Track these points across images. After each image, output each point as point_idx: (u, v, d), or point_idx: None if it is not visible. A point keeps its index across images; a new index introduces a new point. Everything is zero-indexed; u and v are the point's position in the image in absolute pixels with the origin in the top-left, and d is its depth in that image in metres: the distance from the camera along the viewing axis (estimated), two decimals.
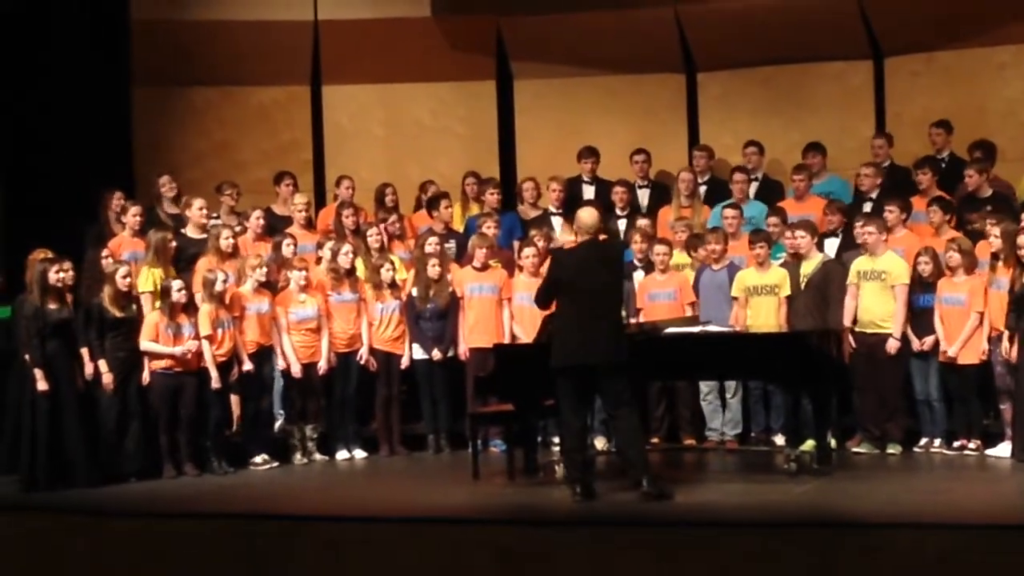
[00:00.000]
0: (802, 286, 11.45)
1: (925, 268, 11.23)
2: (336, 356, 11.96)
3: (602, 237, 10.04)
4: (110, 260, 11.52)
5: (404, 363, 12.13)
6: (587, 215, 9.92)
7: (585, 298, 9.58)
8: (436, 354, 12.08)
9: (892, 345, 11.22)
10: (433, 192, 13.26)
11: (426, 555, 8.81)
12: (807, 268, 11.47)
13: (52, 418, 10.71)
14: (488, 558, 8.73)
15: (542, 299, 9.98)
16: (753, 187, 13.02)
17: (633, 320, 11.40)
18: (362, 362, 12.02)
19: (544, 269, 12.07)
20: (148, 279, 11.67)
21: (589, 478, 9.74)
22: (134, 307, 11.32)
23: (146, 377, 11.21)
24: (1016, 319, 10.65)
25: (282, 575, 9.03)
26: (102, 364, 11.00)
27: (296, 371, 11.75)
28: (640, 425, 9.97)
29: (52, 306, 10.82)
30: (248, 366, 11.51)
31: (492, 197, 13.08)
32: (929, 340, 11.20)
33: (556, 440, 11.43)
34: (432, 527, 9.23)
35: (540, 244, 12.21)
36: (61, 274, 10.88)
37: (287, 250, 12.06)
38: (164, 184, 13.01)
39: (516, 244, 12.69)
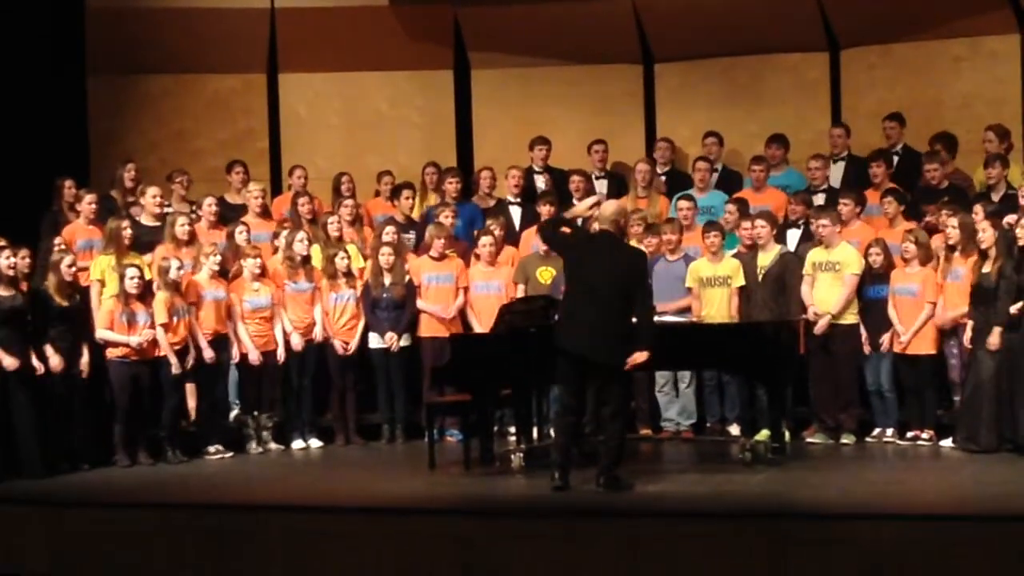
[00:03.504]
0: (759, 277, 11.49)
1: (876, 259, 11.31)
2: (292, 341, 11.93)
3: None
4: (58, 248, 11.44)
5: (351, 349, 12.06)
6: (607, 207, 9.92)
7: (588, 289, 9.52)
8: (391, 336, 12.06)
9: (821, 325, 11.26)
10: (391, 183, 13.23)
11: (382, 545, 8.82)
12: (764, 260, 11.51)
13: (2, 406, 10.63)
14: (445, 548, 8.74)
15: (549, 232, 10.19)
16: (713, 178, 13.05)
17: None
18: (317, 340, 12.00)
19: (500, 259, 12.13)
20: (97, 268, 11.61)
21: (568, 465, 9.66)
22: (78, 297, 11.23)
23: (85, 362, 11.11)
24: (975, 309, 10.73)
25: (238, 564, 9.03)
26: (48, 347, 10.91)
27: (254, 358, 11.72)
28: (623, 434, 9.79)
29: (3, 293, 10.74)
30: (209, 354, 11.46)
31: (451, 186, 13.04)
32: (886, 339, 11.25)
33: (512, 430, 11.44)
34: (388, 517, 9.21)
35: (497, 233, 12.22)
36: (13, 260, 10.80)
37: (240, 238, 12.02)
38: (129, 170, 12.92)
39: (476, 234, 12.69)
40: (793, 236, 11.99)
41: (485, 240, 12.10)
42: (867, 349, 11.36)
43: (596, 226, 9.97)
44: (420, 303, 12.09)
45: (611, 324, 9.47)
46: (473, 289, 12.12)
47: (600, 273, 9.52)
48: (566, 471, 9.61)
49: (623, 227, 9.93)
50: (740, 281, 11.54)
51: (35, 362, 10.81)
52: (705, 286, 11.64)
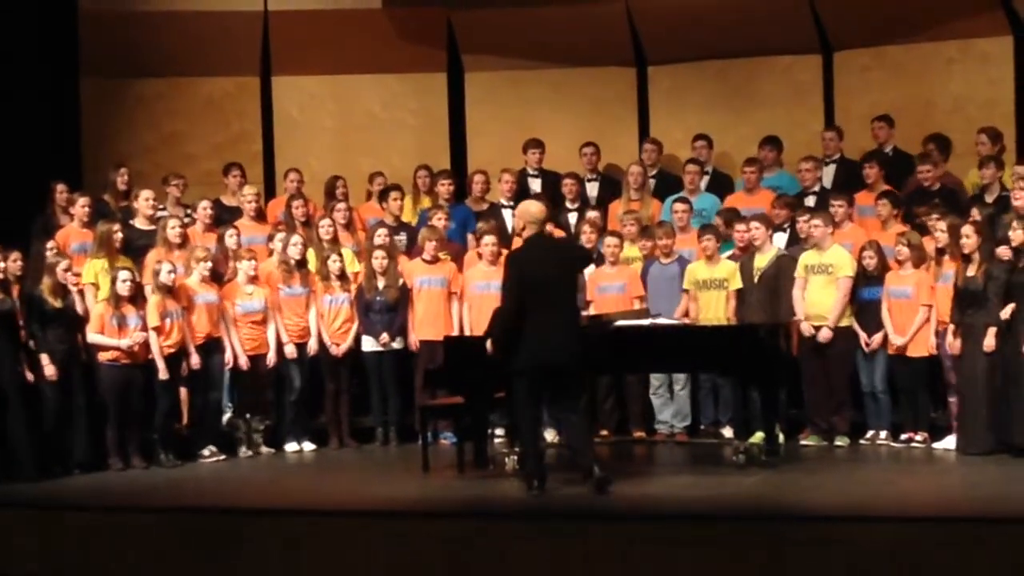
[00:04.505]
0: (755, 279, 11.50)
1: (870, 262, 11.31)
2: (285, 348, 11.92)
3: (558, 233, 9.97)
4: (53, 251, 11.43)
5: (341, 351, 12.04)
6: (535, 206, 9.86)
7: (545, 296, 9.47)
8: (384, 337, 12.05)
9: (824, 335, 11.29)
10: (383, 184, 13.24)
11: (376, 548, 8.81)
12: (761, 261, 11.52)
13: None
14: (439, 551, 8.73)
15: (512, 302, 9.57)
16: (704, 180, 13.06)
17: (584, 313, 11.40)
18: (310, 355, 12.00)
19: (502, 260, 12.08)
20: (90, 271, 11.60)
21: (544, 472, 9.71)
22: (70, 298, 11.22)
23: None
24: (960, 313, 10.74)
25: (231, 568, 9.02)
26: (44, 356, 10.90)
27: (242, 363, 11.71)
28: (590, 424, 9.94)
29: None
30: (195, 360, 11.45)
31: (444, 188, 13.04)
32: (878, 337, 11.27)
33: (500, 432, 11.44)
34: (382, 520, 9.21)
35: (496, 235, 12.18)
36: (2, 264, 10.79)
37: (230, 241, 12.01)
38: (121, 175, 12.92)
39: (470, 237, 12.70)
40: (779, 239, 11.97)
41: (488, 239, 12.04)
42: (864, 342, 11.35)
43: (526, 232, 9.84)
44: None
45: (569, 324, 9.54)
46: (473, 288, 12.05)
47: (552, 277, 9.51)
48: (544, 478, 9.63)
49: (548, 223, 9.98)
50: (737, 284, 11.55)
51: (26, 369, 10.83)
52: (701, 288, 11.65)
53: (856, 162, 12.77)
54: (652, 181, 13.18)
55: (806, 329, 11.33)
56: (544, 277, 9.49)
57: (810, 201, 12.36)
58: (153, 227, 12.13)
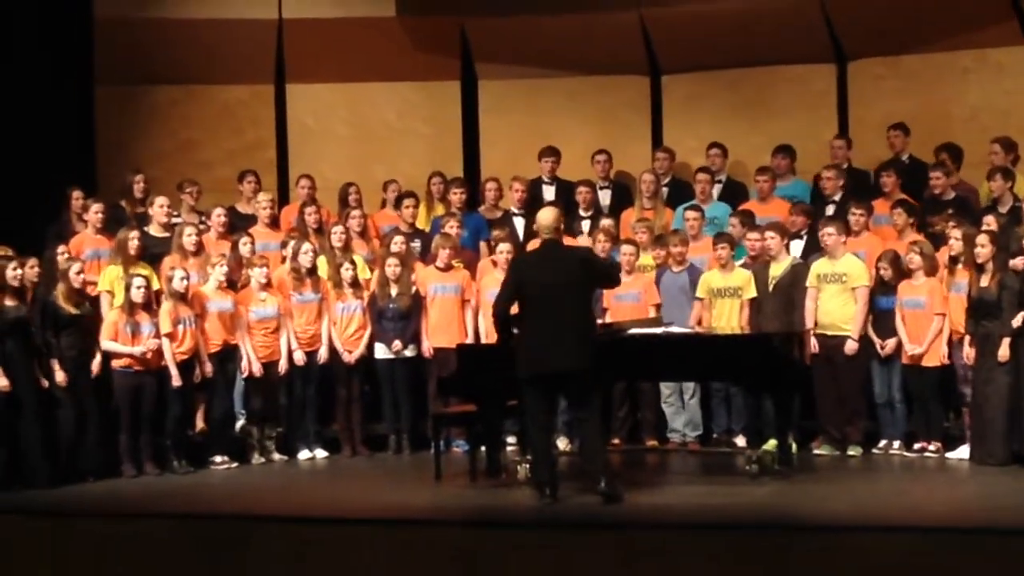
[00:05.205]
0: (771, 288, 11.49)
1: (885, 273, 11.29)
2: (294, 355, 11.92)
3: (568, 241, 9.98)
4: (64, 257, 11.46)
5: (352, 358, 12.05)
6: (546, 215, 9.89)
7: (547, 302, 9.50)
8: (397, 345, 12.05)
9: (850, 347, 11.28)
10: (397, 191, 13.25)
11: (387, 556, 8.80)
12: (776, 270, 11.51)
13: (9, 417, 10.63)
14: (451, 559, 8.72)
15: (501, 303, 9.75)
16: (716, 189, 13.06)
17: (599, 321, 11.39)
18: (321, 362, 12.00)
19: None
20: (105, 278, 11.63)
21: (556, 479, 9.71)
22: (88, 304, 11.25)
23: (96, 365, 11.12)
24: (974, 323, 10.72)
25: (242, 575, 9.02)
26: (54, 362, 10.90)
27: (256, 370, 11.72)
28: (602, 430, 10.01)
29: (9, 304, 10.73)
30: (207, 368, 11.47)
31: (456, 197, 13.06)
32: (891, 343, 11.25)
33: (511, 440, 11.43)
34: (394, 528, 9.21)
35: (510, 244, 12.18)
36: (19, 272, 10.81)
37: (244, 249, 12.03)
38: (137, 181, 12.94)
39: (483, 244, 12.70)
40: (795, 247, 11.95)
41: (504, 247, 12.02)
42: (880, 347, 11.33)
43: (538, 238, 9.90)
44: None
45: (577, 330, 9.51)
46: (488, 296, 11.89)
47: (556, 283, 9.51)
48: (556, 487, 9.63)
49: (563, 231, 10.00)
50: (751, 293, 11.53)
51: (41, 376, 10.83)
52: (716, 297, 11.64)
53: (865, 171, 12.75)
54: (665, 189, 13.18)
55: (814, 346, 11.32)
56: (545, 283, 9.52)
57: (830, 210, 12.32)
58: (168, 234, 12.16)
